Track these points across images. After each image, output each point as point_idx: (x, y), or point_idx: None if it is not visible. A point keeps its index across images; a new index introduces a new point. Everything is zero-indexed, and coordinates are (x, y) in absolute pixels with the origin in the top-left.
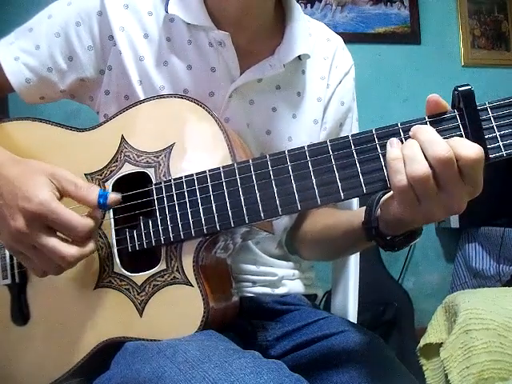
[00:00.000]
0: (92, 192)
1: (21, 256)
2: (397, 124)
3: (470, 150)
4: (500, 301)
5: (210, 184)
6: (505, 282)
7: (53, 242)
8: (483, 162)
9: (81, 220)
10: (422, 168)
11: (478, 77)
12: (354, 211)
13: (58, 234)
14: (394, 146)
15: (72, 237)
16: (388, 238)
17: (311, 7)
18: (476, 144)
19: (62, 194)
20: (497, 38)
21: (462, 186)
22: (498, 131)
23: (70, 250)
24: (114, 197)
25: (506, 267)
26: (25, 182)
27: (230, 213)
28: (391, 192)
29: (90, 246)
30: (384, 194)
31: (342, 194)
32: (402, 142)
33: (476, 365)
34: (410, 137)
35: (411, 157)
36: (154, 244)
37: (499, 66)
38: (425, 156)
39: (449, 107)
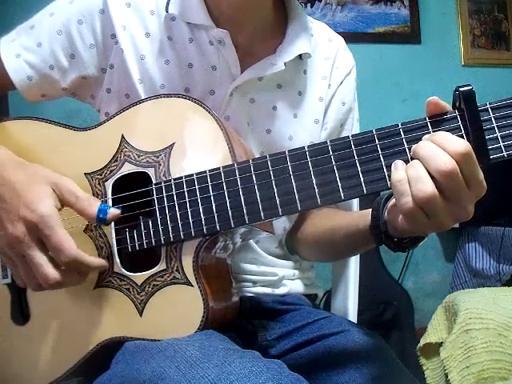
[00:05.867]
0: (92, 205)
1: (9, 261)
2: (397, 125)
3: (457, 144)
4: (500, 300)
5: (210, 184)
6: (505, 281)
7: (41, 259)
8: (473, 156)
9: (71, 246)
10: (427, 187)
11: (478, 76)
12: (358, 213)
13: (51, 254)
14: (398, 168)
15: (57, 259)
16: (395, 240)
17: (311, 7)
18: (460, 138)
19: (63, 205)
20: (497, 38)
21: (467, 192)
22: (499, 132)
23: (54, 273)
24: (113, 212)
25: (505, 267)
26: (28, 189)
27: (230, 213)
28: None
29: (77, 278)
30: (390, 196)
31: (342, 194)
32: (407, 153)
33: (476, 364)
34: (411, 141)
35: (415, 177)
36: (153, 244)
37: (499, 66)
38: (429, 172)
39: (449, 108)
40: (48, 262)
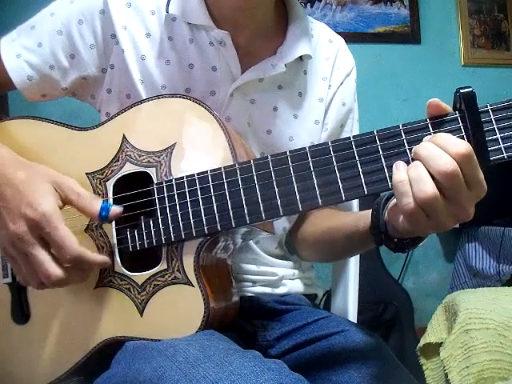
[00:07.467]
0: (94, 203)
1: (11, 260)
2: (398, 126)
3: (458, 145)
4: (500, 300)
5: (211, 184)
6: (505, 281)
7: (43, 257)
8: (474, 157)
9: (74, 243)
10: (428, 188)
11: (478, 76)
12: (358, 214)
13: (53, 252)
14: (399, 169)
15: (59, 256)
16: (395, 240)
17: (311, 7)
18: (461, 140)
19: (65, 203)
20: (497, 38)
21: (468, 193)
22: (500, 133)
23: (56, 270)
24: (116, 210)
25: (505, 267)
26: (30, 187)
27: (231, 213)
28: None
29: (80, 276)
30: (390, 196)
31: (343, 195)
32: (408, 154)
33: (476, 364)
34: (412, 142)
35: (416, 177)
36: (154, 244)
37: (499, 66)
38: (430, 173)
39: (449, 110)
40: (50, 259)
